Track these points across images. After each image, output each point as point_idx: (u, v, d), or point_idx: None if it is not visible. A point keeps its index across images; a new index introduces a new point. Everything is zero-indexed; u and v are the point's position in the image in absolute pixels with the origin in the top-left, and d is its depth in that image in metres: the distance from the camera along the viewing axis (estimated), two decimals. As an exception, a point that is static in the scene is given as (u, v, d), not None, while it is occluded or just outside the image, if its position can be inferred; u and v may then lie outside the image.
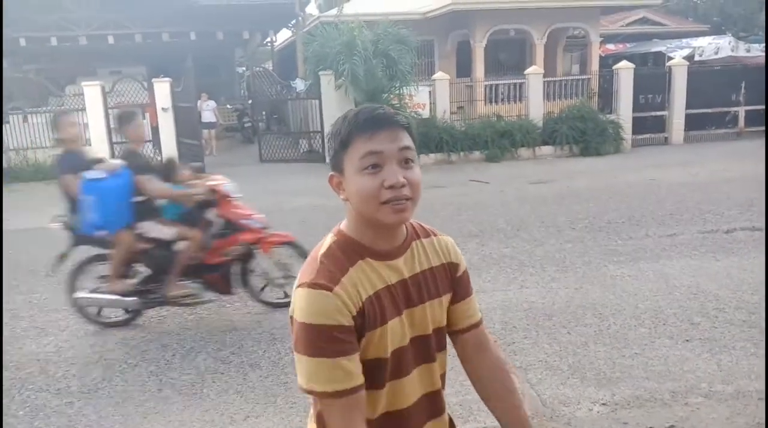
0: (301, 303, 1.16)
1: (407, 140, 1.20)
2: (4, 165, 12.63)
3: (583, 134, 13.21)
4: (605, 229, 6.78)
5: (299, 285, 1.19)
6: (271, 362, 3.87)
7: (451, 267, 1.34)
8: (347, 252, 1.22)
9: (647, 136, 14.39)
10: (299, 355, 1.17)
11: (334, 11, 16.72)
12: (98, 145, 12.91)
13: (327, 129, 13.80)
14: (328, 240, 1.26)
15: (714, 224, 6.79)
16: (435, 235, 1.36)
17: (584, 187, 9.37)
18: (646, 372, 3.52)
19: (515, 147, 13.21)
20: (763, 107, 14.71)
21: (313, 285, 1.16)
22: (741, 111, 14.89)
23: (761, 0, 23.32)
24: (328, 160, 13.88)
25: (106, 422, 3.28)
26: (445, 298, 1.32)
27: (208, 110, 15.72)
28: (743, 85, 14.76)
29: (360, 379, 1.17)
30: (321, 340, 1.13)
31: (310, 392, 1.17)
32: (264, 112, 16.74)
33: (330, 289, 1.15)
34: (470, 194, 9.36)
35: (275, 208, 8.95)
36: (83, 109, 12.98)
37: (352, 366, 1.16)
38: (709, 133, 14.74)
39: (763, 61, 16.37)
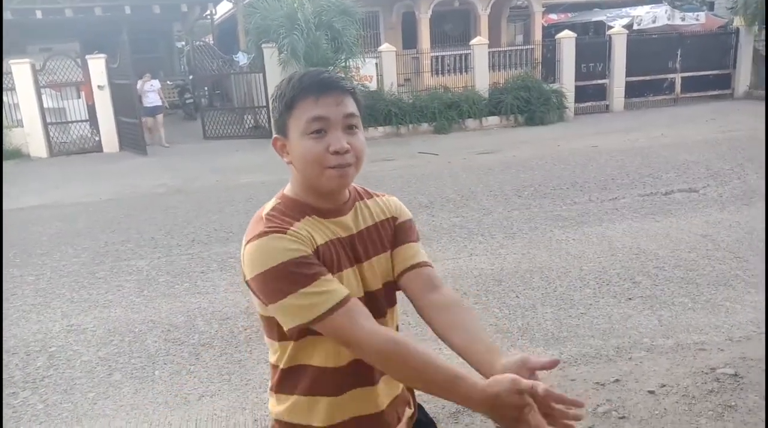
0: (254, 255, 1.14)
1: (352, 106, 1.20)
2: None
3: (527, 104, 13.40)
4: (550, 196, 6.95)
5: (248, 242, 1.17)
6: (224, 341, 3.82)
7: (393, 221, 1.36)
8: (292, 210, 1.22)
9: (589, 104, 14.73)
10: (278, 303, 1.14)
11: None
12: (31, 126, 12.31)
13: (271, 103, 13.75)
14: (272, 202, 1.27)
15: (653, 187, 7.05)
16: (379, 196, 1.38)
17: (529, 156, 9.55)
18: (592, 330, 3.65)
19: (462, 118, 13.30)
20: (698, 74, 15.27)
21: (263, 233, 1.15)
22: (677, 78, 15.39)
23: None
24: (274, 134, 13.75)
25: (54, 410, 3.18)
26: (401, 250, 1.34)
27: (151, 91, 12.98)
28: (679, 52, 15.23)
29: (346, 290, 1.16)
30: (291, 275, 1.12)
31: (313, 322, 1.13)
32: (206, 88, 16.24)
33: (284, 232, 1.15)
34: (419, 166, 9.40)
35: (221, 185, 8.79)
36: (12, 89, 12.29)
37: (333, 282, 1.15)
38: (648, 99, 15.20)
39: (697, 29, 16.94)
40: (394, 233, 1.34)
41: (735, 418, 2.64)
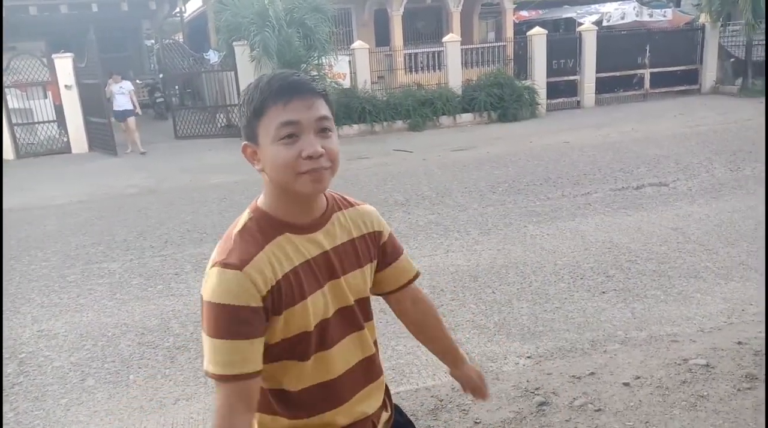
0: (211, 282, 1.13)
1: (324, 109, 1.16)
2: None
3: (500, 100, 13.49)
4: (524, 192, 7.01)
5: (212, 265, 1.15)
6: (199, 343, 3.77)
7: (375, 236, 1.33)
8: (264, 229, 1.18)
9: (561, 100, 14.89)
10: (204, 335, 1.14)
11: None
12: (-5, 127, 11.99)
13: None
14: (244, 216, 1.22)
15: (624, 181, 7.16)
16: (357, 205, 1.34)
17: (503, 152, 9.62)
18: (567, 324, 3.70)
19: (436, 115, 13.34)
20: (666, 69, 15.55)
21: (223, 264, 1.12)
22: (646, 73, 15.64)
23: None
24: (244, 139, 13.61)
25: (25, 418, 3.11)
26: (368, 268, 1.31)
27: (120, 94, 11.82)
28: (648, 48, 15.47)
29: (256, 367, 1.13)
30: (224, 320, 1.11)
31: (207, 374, 1.13)
32: (177, 87, 16.01)
33: (240, 269, 1.11)
34: (394, 163, 9.40)
35: (194, 185, 8.68)
36: (-25, 89, 11.96)
37: (251, 351, 1.12)
38: (618, 95, 15.42)
39: (665, 25, 17.25)
40: (376, 251, 1.33)
41: (707, 407, 2.70)
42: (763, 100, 12.41)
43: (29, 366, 3.65)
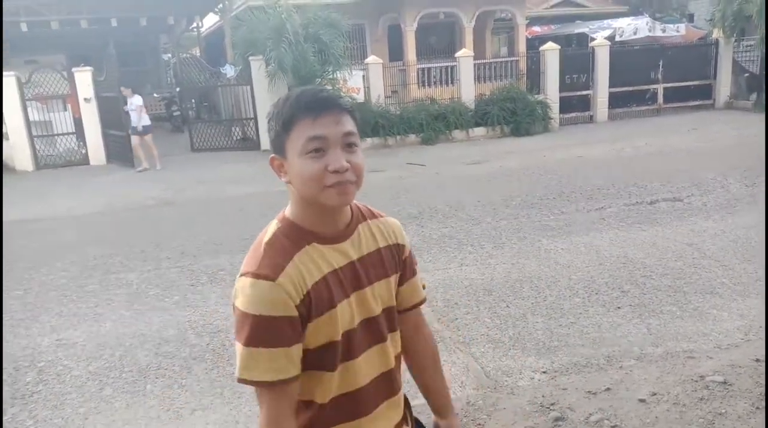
0: (244, 292, 1.15)
1: (350, 125, 1.19)
2: None
3: (513, 115, 13.52)
4: (538, 206, 7.01)
5: (243, 274, 1.17)
6: (215, 354, 3.81)
7: (398, 249, 1.35)
8: (292, 239, 1.20)
9: (574, 114, 14.89)
10: (239, 344, 1.16)
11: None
12: (16, 139, 12.21)
13: (260, 115, 13.55)
14: (273, 226, 1.24)
15: (638, 196, 7.14)
16: (381, 217, 1.36)
17: (516, 166, 9.63)
18: (582, 339, 3.69)
19: (449, 129, 13.39)
20: (680, 84, 15.52)
21: (256, 275, 1.15)
22: (659, 88, 15.62)
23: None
24: (262, 147, 13.54)
25: (44, 426, 3.15)
26: (393, 278, 1.33)
27: (133, 110, 11.53)
28: (661, 63, 15.47)
29: (296, 371, 1.17)
30: (261, 331, 1.13)
31: (246, 381, 1.16)
32: (193, 100, 16.22)
33: (273, 279, 1.14)
34: (408, 177, 9.44)
35: (210, 197, 8.77)
36: (-3, 102, 12.20)
37: (291, 358, 1.16)
38: (631, 110, 15.40)
39: (678, 41, 17.24)
40: (398, 264, 1.35)
41: (725, 425, 2.68)
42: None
43: (48, 374, 3.70)
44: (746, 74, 15.80)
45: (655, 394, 2.97)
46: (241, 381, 1.17)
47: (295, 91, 1.21)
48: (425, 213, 6.92)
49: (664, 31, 17.62)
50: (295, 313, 1.15)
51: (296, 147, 1.16)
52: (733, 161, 8.72)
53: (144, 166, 11.56)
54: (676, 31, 17.63)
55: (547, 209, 6.83)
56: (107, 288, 5.11)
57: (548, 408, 2.93)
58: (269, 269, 1.15)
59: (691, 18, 23.44)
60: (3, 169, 10.91)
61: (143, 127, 11.62)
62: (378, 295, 1.29)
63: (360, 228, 1.29)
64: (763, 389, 2.93)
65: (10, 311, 4.74)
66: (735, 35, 15.20)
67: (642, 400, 2.93)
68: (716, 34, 15.60)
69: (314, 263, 1.20)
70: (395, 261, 1.34)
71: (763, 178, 7.42)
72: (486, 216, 6.69)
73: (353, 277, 1.25)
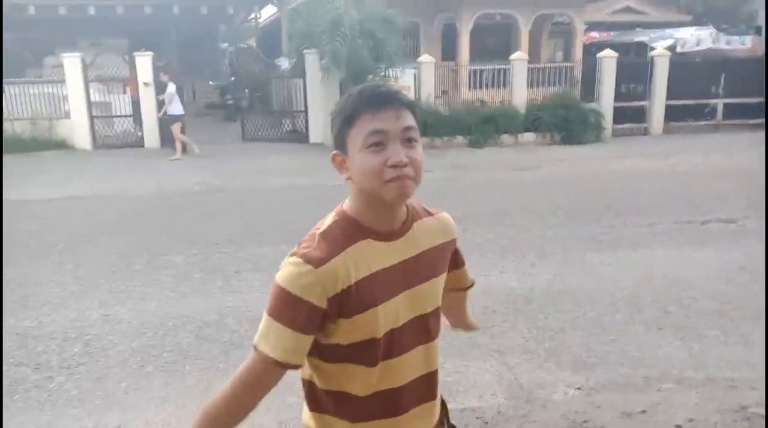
0: (285, 267, 1.19)
1: (410, 120, 1.21)
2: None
3: (565, 122, 13.30)
4: (585, 217, 6.89)
5: (292, 254, 1.21)
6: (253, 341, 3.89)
7: (450, 244, 1.40)
8: (347, 232, 1.23)
9: (628, 125, 14.53)
10: (265, 313, 1.21)
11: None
12: (77, 118, 12.70)
13: (311, 108, 13.68)
14: (330, 218, 1.27)
15: (691, 215, 6.93)
16: (434, 214, 1.39)
17: (565, 175, 9.48)
18: (621, 357, 3.62)
19: (498, 133, 13.27)
20: (742, 100, 14.94)
21: (302, 256, 1.18)
22: (720, 103, 15.09)
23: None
24: (311, 140, 13.65)
25: (87, 397, 3.29)
26: (443, 277, 1.36)
27: (167, 96, 11.61)
28: (723, 77, 14.94)
29: (300, 361, 1.21)
30: (285, 307, 1.17)
31: (257, 350, 1.20)
32: (247, 90, 16.52)
33: (316, 266, 1.16)
34: (454, 179, 9.40)
35: (259, 187, 8.93)
36: (63, 82, 12.70)
37: (301, 345, 1.19)
38: (688, 124, 14.93)
39: (742, 54, 16.60)
40: (449, 259, 1.39)
41: (765, 459, 2.60)
42: None
43: (94, 347, 3.86)
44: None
45: (692, 421, 2.90)
46: (255, 348, 1.21)
47: (357, 88, 1.23)
48: (469, 217, 6.87)
49: (728, 43, 16.99)
50: (323, 306, 1.17)
51: (357, 141, 1.19)
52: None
53: (177, 156, 11.56)
54: (742, 44, 16.99)
55: (595, 221, 6.70)
56: (155, 269, 5.28)
57: (580, 425, 2.89)
58: (316, 256, 1.18)
59: (759, 31, 22.52)
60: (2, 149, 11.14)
61: (169, 115, 11.69)
62: (430, 294, 1.31)
63: (415, 226, 1.31)
64: (809, 425, 2.83)
65: (63, 283, 4.95)
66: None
67: (678, 426, 2.86)
68: (786, 50, 14.98)
69: (365, 259, 1.21)
70: (446, 259, 1.38)
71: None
72: (531, 224, 6.61)
73: (405, 275, 1.26)
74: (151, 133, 13.05)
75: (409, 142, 1.20)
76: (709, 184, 8.61)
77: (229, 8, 18.12)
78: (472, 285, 1.54)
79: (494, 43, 18.16)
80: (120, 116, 13.35)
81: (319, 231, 1.24)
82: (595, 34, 20.12)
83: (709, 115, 15.16)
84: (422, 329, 1.31)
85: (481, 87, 15.40)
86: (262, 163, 11.00)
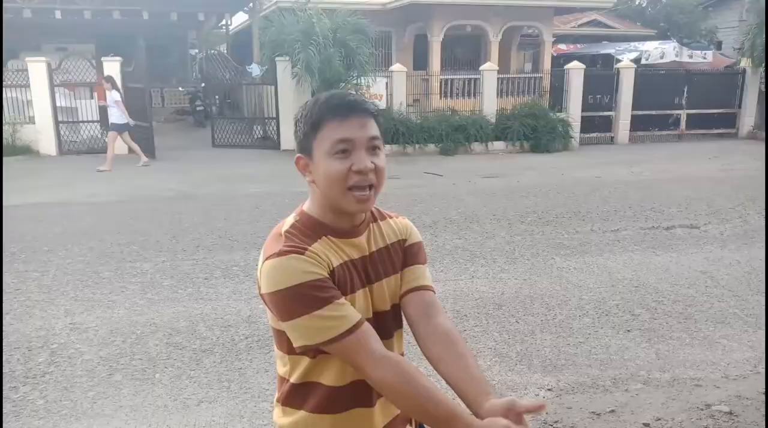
0: (272, 273, 1.19)
1: (375, 129, 1.25)
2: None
3: (534, 131, 13.52)
4: (553, 223, 7.00)
5: (267, 259, 1.21)
6: (225, 348, 3.86)
7: (403, 243, 1.41)
8: (309, 230, 1.26)
9: (595, 134, 14.85)
10: (291, 322, 1.19)
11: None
12: (42, 123, 12.42)
13: (282, 115, 13.64)
14: (291, 218, 1.30)
15: (655, 221, 7.11)
16: (392, 217, 1.43)
17: (534, 183, 9.62)
18: (590, 360, 3.69)
19: (469, 141, 13.41)
20: (703, 111, 15.41)
21: (282, 252, 1.19)
22: (683, 114, 15.53)
23: (705, 9, 24.33)
24: (282, 147, 13.58)
25: (54, 407, 3.21)
26: (408, 272, 1.38)
27: (112, 106, 11.04)
28: (685, 89, 15.39)
29: (359, 314, 1.21)
30: (306, 297, 1.17)
31: (320, 344, 1.19)
32: (217, 97, 16.39)
33: (302, 252, 1.19)
34: (424, 186, 9.47)
35: (228, 193, 8.85)
36: (27, 86, 12.43)
37: (346, 307, 1.20)
38: (653, 134, 15.33)
39: (704, 67, 17.14)
40: (403, 255, 1.39)
41: (728, 455, 2.68)
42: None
43: (60, 356, 3.77)
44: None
45: (659, 419, 2.97)
46: (317, 345, 1.20)
47: (324, 94, 1.26)
48: (440, 223, 6.94)
49: (691, 56, 17.55)
50: (329, 277, 1.20)
51: (323, 147, 1.21)
52: (754, 192, 8.64)
53: (144, 161, 11.27)
54: (704, 58, 17.56)
55: (562, 227, 6.82)
56: (122, 276, 5.19)
57: (552, 425, 2.93)
58: (293, 247, 1.20)
59: (719, 45, 23.30)
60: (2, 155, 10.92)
61: (112, 123, 11.13)
62: (388, 291, 1.33)
63: (372, 227, 1.35)
64: (769, 422, 2.92)
65: (27, 292, 4.83)
66: (763, 65, 15.11)
67: (646, 424, 2.93)
68: (744, 63, 15.50)
69: (333, 251, 1.25)
70: (405, 256, 1.39)
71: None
72: (500, 230, 6.70)
73: (365, 271, 1.30)
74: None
75: (373, 149, 1.23)
76: (672, 191, 8.84)
77: (199, 14, 17.99)
78: (431, 289, 1.39)
79: (465, 53, 18.42)
80: (87, 122, 13.11)
81: (283, 229, 1.27)
82: (563, 47, 20.57)
83: (672, 125, 15.59)
84: (382, 326, 1.32)
85: (452, 96, 15.57)
86: (232, 169, 10.90)
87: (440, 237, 6.35)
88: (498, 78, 14.53)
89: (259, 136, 14.21)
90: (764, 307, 4.46)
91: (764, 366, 3.53)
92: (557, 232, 6.63)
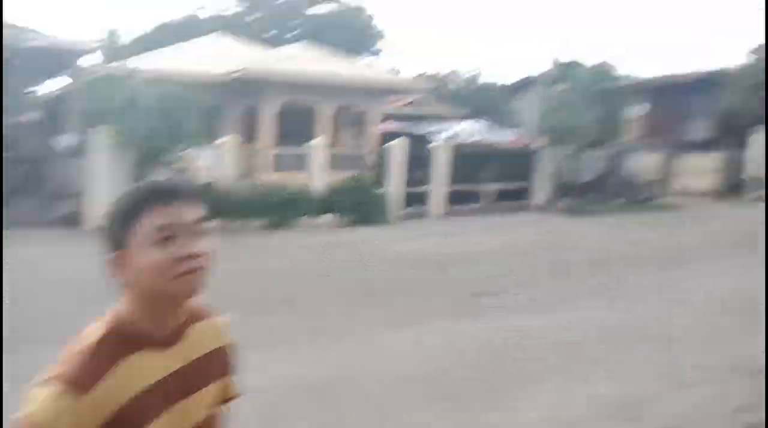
0: (45, 401, 1.03)
1: (199, 211, 1.17)
2: None
3: (359, 204, 14.05)
4: (370, 299, 7.23)
5: (45, 381, 1.05)
6: None
7: (225, 350, 1.33)
8: (118, 344, 1.12)
9: (414, 208, 15.78)
10: None
11: (115, 64, 15.88)
12: None
13: (91, 190, 12.66)
14: (97, 331, 1.13)
15: (464, 289, 7.65)
16: (209, 317, 1.32)
17: (355, 256, 9.95)
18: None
19: (298, 215, 13.54)
20: (507, 185, 17.21)
21: (66, 381, 1.04)
22: (490, 188, 17.19)
23: (511, 91, 27.58)
24: (87, 224, 12.49)
25: None
26: (221, 383, 1.30)
27: None
28: (496, 164, 17.11)
29: None
30: None
31: None
32: (21, 169, 14.87)
33: (79, 393, 1.03)
34: (245, 263, 9.25)
35: (27, 281, 7.96)
36: None
37: None
38: (467, 207, 16.70)
39: (507, 145, 19.28)
40: (224, 366, 1.32)
41: None
42: (585, 218, 14.22)
43: None
44: (561, 181, 17.88)
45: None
46: None
47: (140, 183, 1.20)
48: (257, 303, 6.83)
49: (497, 135, 19.71)
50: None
51: (143, 237, 1.10)
52: (546, 259, 9.71)
53: None
54: (505, 137, 19.80)
55: (379, 303, 7.08)
56: None
57: None
58: (80, 379, 1.05)
59: (519, 124, 26.32)
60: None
61: None
62: (204, 402, 1.24)
63: (190, 330, 1.24)
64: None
65: None
66: (557, 144, 17.32)
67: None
68: (541, 141, 17.72)
69: (136, 374, 1.11)
70: (222, 364, 1.31)
71: (575, 276, 8.37)
72: (316, 308, 6.76)
73: (179, 385, 1.18)
74: None
75: (199, 234, 1.14)
76: (482, 260, 9.63)
77: (9, 79, 16.46)
78: (234, 398, 1.39)
79: (298, 125, 18.85)
80: None
81: (81, 348, 1.10)
82: (390, 124, 21.99)
83: (485, 198, 17.15)
84: None
85: (284, 169, 15.78)
86: (26, 253, 9.77)
87: (258, 316, 6.26)
88: (329, 153, 15.05)
89: (63, 213, 13.00)
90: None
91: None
92: (375, 307, 6.85)
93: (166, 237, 1.09)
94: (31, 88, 18.50)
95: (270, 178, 15.07)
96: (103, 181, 11.84)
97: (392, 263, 9.38)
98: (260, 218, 13.18)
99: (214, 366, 1.28)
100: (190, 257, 1.11)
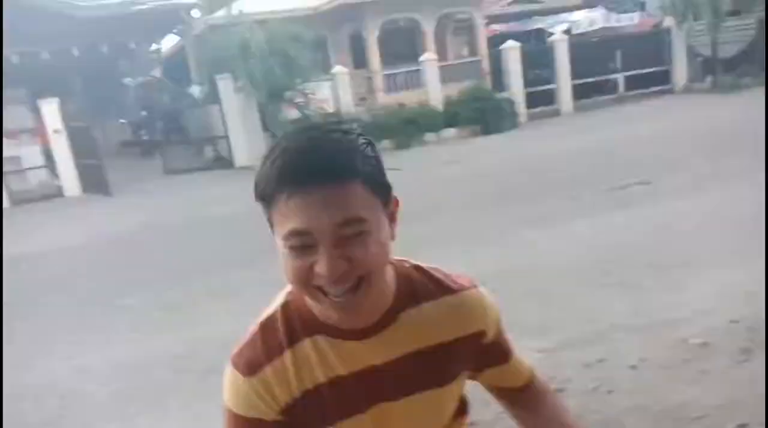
0: (225, 381, 0.96)
1: (352, 206, 0.81)
2: None
3: (482, 114, 13.90)
4: (516, 199, 7.31)
5: (232, 356, 0.96)
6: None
7: (473, 338, 1.00)
8: (293, 325, 0.94)
9: (540, 109, 15.35)
10: None
11: (220, 13, 16.45)
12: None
13: (231, 133, 13.58)
14: (276, 303, 0.97)
15: (610, 183, 7.49)
16: (454, 292, 1.00)
17: (490, 163, 9.96)
18: (573, 319, 3.96)
19: (421, 132, 13.69)
20: (638, 72, 16.10)
21: (234, 363, 0.94)
22: (620, 77, 16.18)
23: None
24: (237, 164, 13.54)
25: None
26: (455, 385, 1.02)
27: None
28: (619, 53, 16.02)
29: None
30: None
31: None
32: (161, 123, 16.24)
33: (248, 375, 0.92)
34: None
35: (191, 219, 8.85)
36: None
37: None
38: (595, 100, 15.93)
39: (632, 30, 17.86)
40: (473, 356, 1.02)
41: (709, 380, 2.97)
42: (734, 95, 12.98)
43: (70, 400, 3.83)
44: (700, 58, 16.46)
45: (644, 360, 3.25)
46: None
47: (278, 150, 0.82)
48: (405, 216, 7.11)
49: (618, 21, 18.26)
50: (279, 417, 0.93)
51: (278, 230, 0.83)
52: (696, 142, 9.17)
53: None
54: (630, 20, 18.27)
55: (525, 202, 7.13)
56: (111, 315, 5.23)
57: (549, 380, 3.17)
58: (248, 361, 0.93)
59: (642, 6, 24.18)
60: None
61: None
62: (415, 411, 0.97)
63: (404, 317, 0.94)
64: (738, 346, 3.23)
65: (20, 344, 4.82)
66: (686, 21, 15.86)
67: (633, 366, 3.20)
68: (668, 21, 16.24)
69: (311, 364, 0.93)
70: (467, 356, 1.01)
71: (726, 158, 7.86)
72: (466, 214, 6.96)
73: (373, 386, 0.94)
74: (70, 181, 12.63)
75: (350, 238, 0.81)
76: (621, 152, 9.28)
77: (130, 43, 17.71)
78: (531, 382, 1.14)
79: (402, 46, 18.67)
80: (33, 168, 12.84)
81: (261, 321, 0.97)
82: (496, 26, 21.06)
83: (611, 89, 16.22)
84: None
85: (397, 90, 15.83)
86: (191, 193, 10.89)
87: (408, 229, 6.54)
88: (438, 66, 14.85)
89: (212, 156, 14.18)
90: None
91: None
92: (521, 207, 6.93)
93: (300, 246, 0.81)
94: (155, 48, 19.72)
95: (387, 99, 15.19)
96: (239, 123, 12.64)
97: (527, 166, 9.29)
98: (386, 139, 13.46)
99: (447, 361, 0.98)
100: (331, 279, 0.81)
